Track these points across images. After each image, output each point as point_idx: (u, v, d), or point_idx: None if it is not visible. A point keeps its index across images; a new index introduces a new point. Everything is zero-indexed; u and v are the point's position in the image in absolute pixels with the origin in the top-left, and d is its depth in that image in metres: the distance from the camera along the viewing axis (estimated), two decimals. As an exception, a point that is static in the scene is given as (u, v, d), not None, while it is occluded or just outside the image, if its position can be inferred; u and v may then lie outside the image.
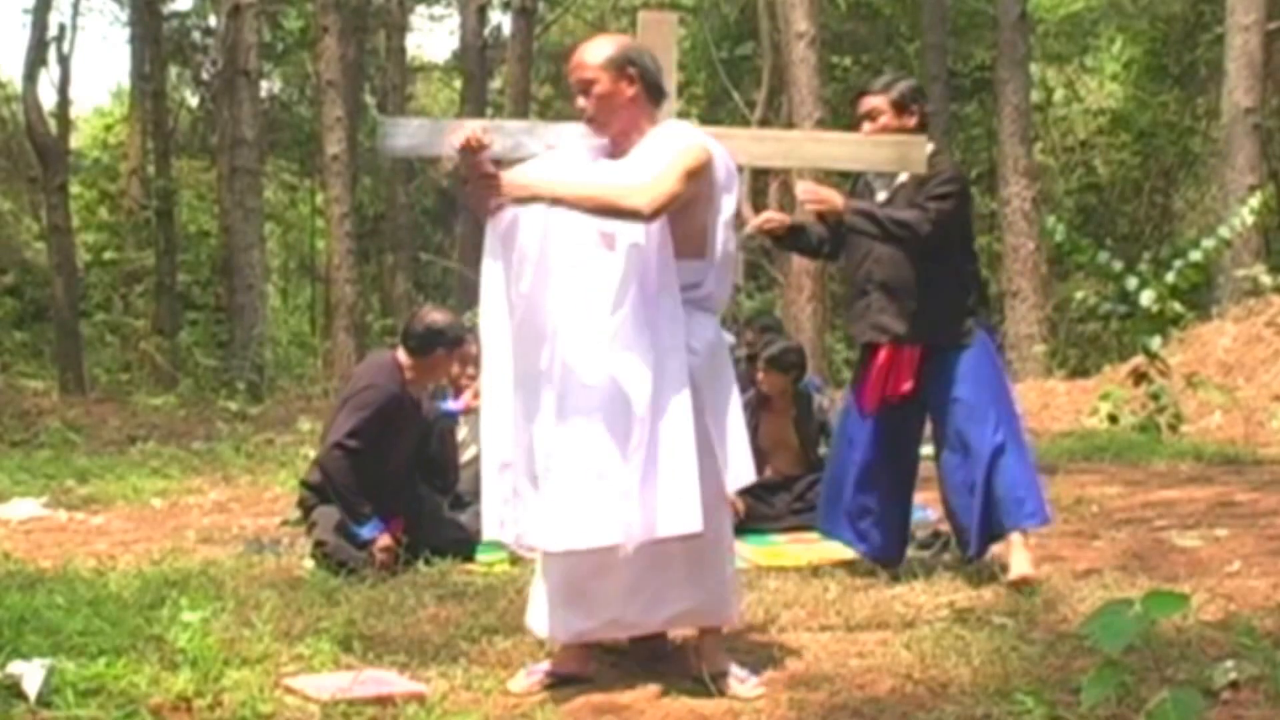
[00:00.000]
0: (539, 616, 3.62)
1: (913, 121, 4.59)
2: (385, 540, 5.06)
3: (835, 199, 4.54)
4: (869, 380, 4.69)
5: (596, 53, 3.54)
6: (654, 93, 3.59)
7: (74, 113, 22.17)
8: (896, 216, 4.53)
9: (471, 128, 3.48)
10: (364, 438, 5.10)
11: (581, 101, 3.54)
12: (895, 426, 4.71)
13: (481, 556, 5.30)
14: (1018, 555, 4.48)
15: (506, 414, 3.52)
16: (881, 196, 4.67)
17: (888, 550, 4.80)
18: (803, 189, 4.64)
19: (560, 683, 3.49)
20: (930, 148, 4.51)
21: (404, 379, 5.25)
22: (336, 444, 5.12)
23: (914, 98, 4.62)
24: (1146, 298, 9.57)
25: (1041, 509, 4.61)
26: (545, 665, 3.55)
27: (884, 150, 4.44)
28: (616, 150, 3.58)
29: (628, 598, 3.50)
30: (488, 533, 3.62)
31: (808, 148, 4.89)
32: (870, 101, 4.62)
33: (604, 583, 3.49)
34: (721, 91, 18.80)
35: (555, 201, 3.40)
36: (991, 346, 4.72)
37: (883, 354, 4.65)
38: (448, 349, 5.30)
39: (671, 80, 3.85)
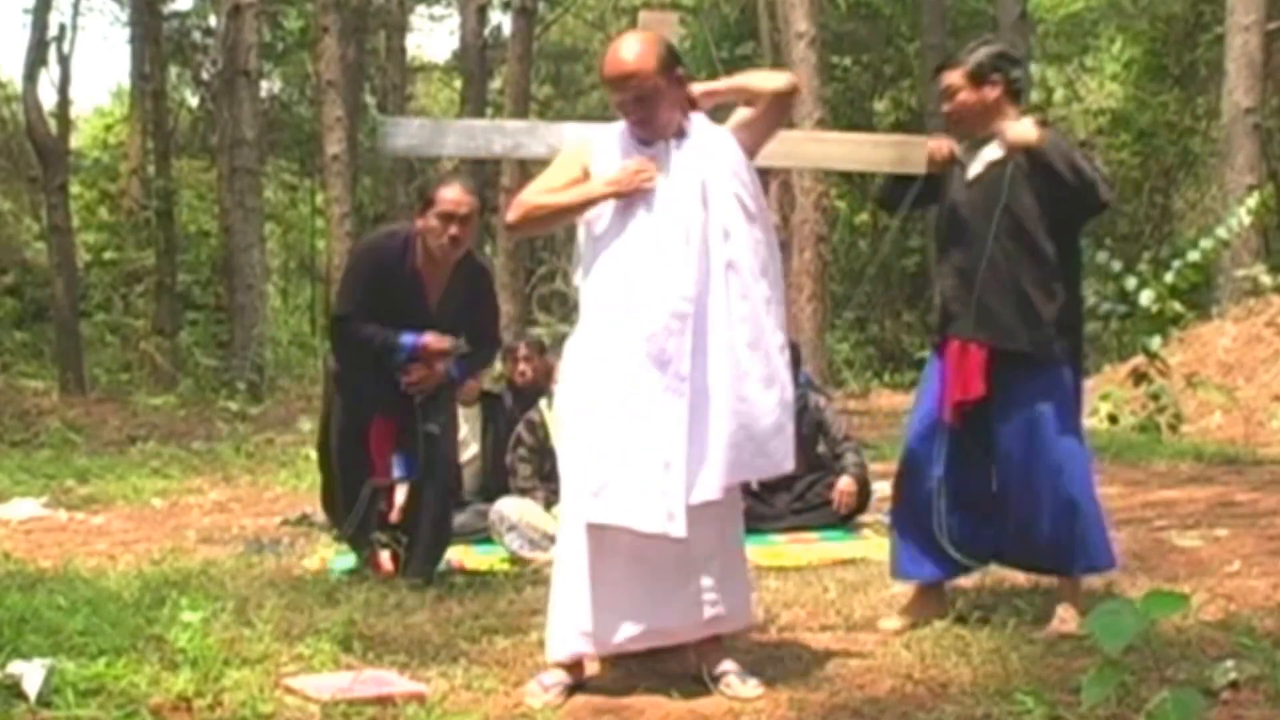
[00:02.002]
0: (568, 636, 3.49)
1: (994, 93, 3.97)
2: (430, 339, 4.68)
3: (1030, 133, 3.87)
4: (942, 383, 4.09)
5: (644, 57, 3.46)
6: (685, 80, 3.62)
7: (74, 113, 22.15)
8: (1086, 166, 3.84)
9: None
10: (351, 302, 4.83)
11: (638, 113, 3.49)
12: (976, 438, 4.08)
13: (481, 554, 5.30)
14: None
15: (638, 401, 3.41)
16: (974, 172, 4.07)
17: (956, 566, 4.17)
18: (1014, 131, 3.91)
19: (578, 686, 3.48)
20: (1028, 124, 3.92)
21: (407, 245, 4.84)
22: (331, 318, 4.94)
23: (994, 66, 3.98)
24: (1146, 298, 9.59)
25: (1096, 556, 4.06)
26: (557, 676, 3.46)
27: (884, 150, 4.41)
28: (659, 135, 3.55)
29: (667, 602, 3.46)
30: (646, 525, 3.37)
31: (808, 148, 4.86)
32: (945, 78, 4.04)
33: (645, 587, 3.45)
34: (721, 91, 18.76)
35: None
36: (1070, 378, 4.03)
37: (951, 350, 4.06)
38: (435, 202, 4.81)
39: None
